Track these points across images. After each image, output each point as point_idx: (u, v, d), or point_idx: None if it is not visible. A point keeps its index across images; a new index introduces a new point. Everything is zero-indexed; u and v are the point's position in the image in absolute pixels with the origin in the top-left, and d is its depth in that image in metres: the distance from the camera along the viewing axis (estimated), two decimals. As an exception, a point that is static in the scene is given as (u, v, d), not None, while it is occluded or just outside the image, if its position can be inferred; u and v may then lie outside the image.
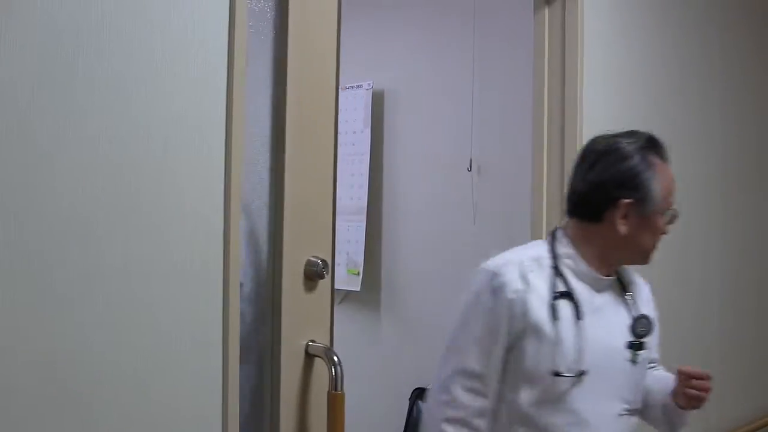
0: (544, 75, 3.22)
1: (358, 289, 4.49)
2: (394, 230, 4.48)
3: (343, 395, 2.18)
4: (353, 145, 4.52)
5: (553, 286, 2.20)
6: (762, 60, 4.38)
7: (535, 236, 3.16)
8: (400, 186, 4.48)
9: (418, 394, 4.24)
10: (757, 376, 4.33)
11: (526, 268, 2.21)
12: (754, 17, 4.33)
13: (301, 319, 2.21)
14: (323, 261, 2.23)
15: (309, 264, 2.22)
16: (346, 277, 4.51)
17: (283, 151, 2.17)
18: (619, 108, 3.38)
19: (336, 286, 4.36)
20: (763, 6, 4.43)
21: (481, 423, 2.16)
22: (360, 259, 4.51)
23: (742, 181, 4.20)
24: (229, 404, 1.96)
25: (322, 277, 2.24)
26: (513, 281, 2.18)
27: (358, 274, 4.50)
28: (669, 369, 2.41)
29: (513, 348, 2.17)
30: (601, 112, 3.25)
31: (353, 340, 4.27)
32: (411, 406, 4.23)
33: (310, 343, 2.21)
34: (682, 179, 3.68)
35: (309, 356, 2.21)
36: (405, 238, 4.44)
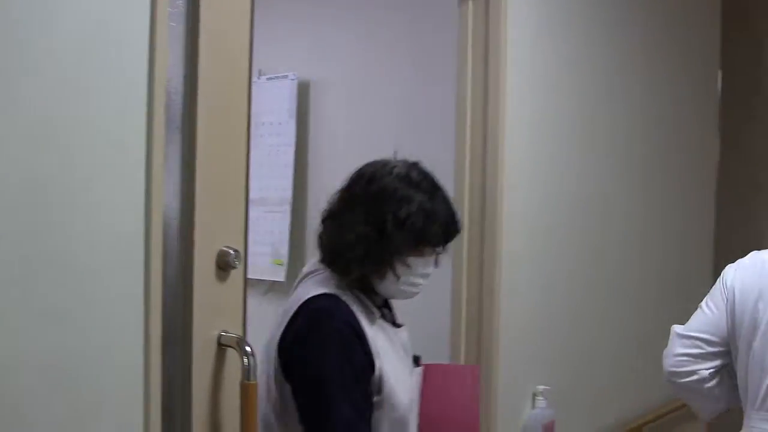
0: (467, 69, 3.25)
1: (283, 279, 4.49)
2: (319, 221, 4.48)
3: (255, 385, 2.18)
4: (278, 135, 4.51)
5: None
6: (682, 58, 4.46)
7: None
8: (326, 177, 4.48)
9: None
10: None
11: None
12: (673, 17, 4.41)
13: (214, 310, 2.20)
14: (236, 251, 2.23)
15: (221, 254, 2.22)
16: (271, 267, 4.51)
17: (194, 142, 2.16)
18: (543, 101, 3.42)
19: (261, 277, 4.35)
20: (683, 6, 4.51)
21: None
22: (285, 249, 4.51)
23: (663, 178, 4.28)
24: (152, 394, 1.96)
25: (234, 267, 2.23)
26: None
27: (283, 264, 4.50)
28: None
29: None
30: (526, 107, 3.30)
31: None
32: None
33: (223, 334, 2.21)
34: (603, 174, 3.78)
35: (221, 347, 2.21)
36: (330, 229, 4.44)
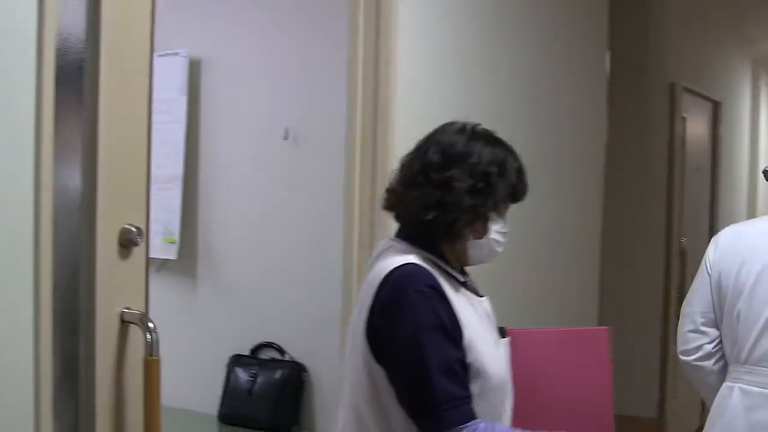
0: (358, 44, 3.27)
1: (174, 257, 4.48)
2: (211, 198, 4.49)
3: (158, 361, 2.20)
4: (169, 113, 4.48)
5: None
6: (572, 39, 4.58)
7: (348, 205, 3.23)
8: (218, 154, 4.48)
9: (235, 360, 4.29)
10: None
11: None
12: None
13: (116, 287, 2.21)
14: (138, 228, 2.24)
15: (123, 232, 2.23)
16: (163, 245, 4.49)
17: (96, 119, 2.16)
18: (433, 78, 3.47)
19: (152, 255, 4.35)
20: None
21: None
22: (176, 227, 4.49)
23: (555, 155, 4.39)
24: (42, 374, 1.96)
25: (136, 244, 2.24)
26: None
27: (175, 242, 4.49)
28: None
29: None
30: (416, 85, 3.34)
31: (171, 308, 4.27)
32: (228, 373, 4.28)
33: (125, 311, 2.22)
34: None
35: (124, 323, 2.22)
36: (222, 206, 4.45)
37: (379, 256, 2.31)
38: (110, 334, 2.20)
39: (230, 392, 4.24)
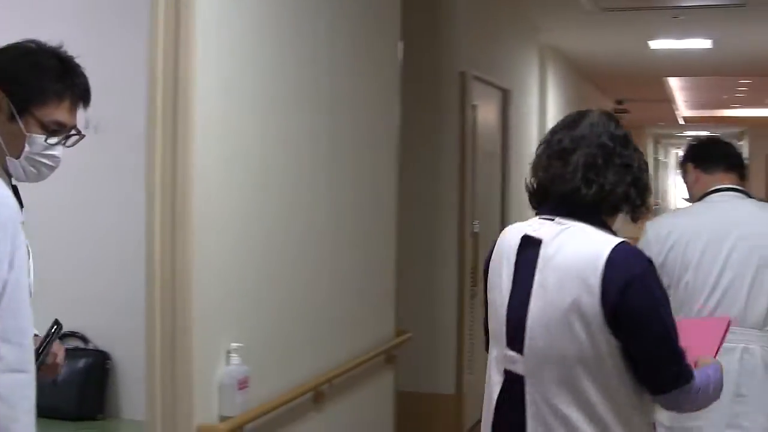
0: (158, 30, 3.25)
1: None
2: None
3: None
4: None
5: None
6: (366, 30, 4.70)
7: (149, 193, 3.24)
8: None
9: (38, 351, 4.26)
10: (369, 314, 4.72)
11: None
12: None
13: None
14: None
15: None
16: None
17: None
18: (231, 68, 3.50)
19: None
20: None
21: None
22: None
23: (351, 145, 4.52)
24: None
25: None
26: None
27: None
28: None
29: None
30: (215, 75, 3.38)
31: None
32: (30, 364, 4.23)
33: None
34: (293, 136, 3.95)
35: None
36: (23, 196, 4.37)
37: (555, 239, 2.41)
38: None
39: (33, 383, 4.20)
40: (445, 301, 6.41)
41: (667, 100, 16.58)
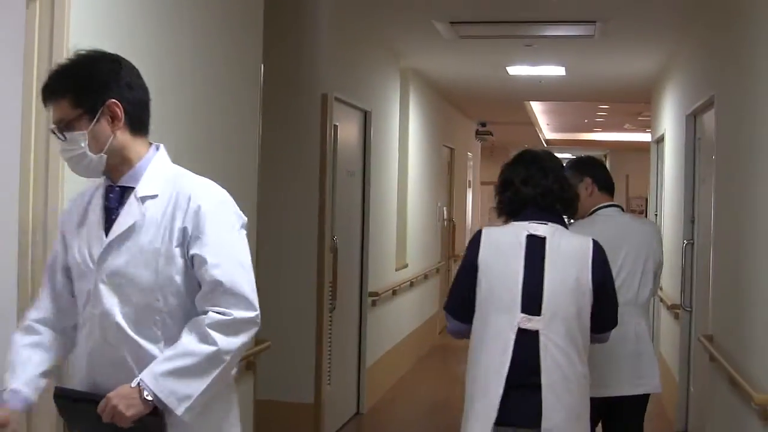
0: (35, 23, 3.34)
1: None
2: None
3: None
4: None
5: None
6: (229, 51, 4.88)
7: (23, 195, 3.30)
8: None
9: None
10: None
11: None
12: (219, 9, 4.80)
13: None
14: None
15: None
16: None
17: None
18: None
19: None
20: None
21: None
22: None
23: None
24: None
25: None
26: None
27: None
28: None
29: None
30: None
31: None
32: None
33: None
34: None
35: None
36: None
37: (554, 236, 3.63)
38: None
39: None
40: (304, 313, 6.64)
41: (530, 123, 17.02)
